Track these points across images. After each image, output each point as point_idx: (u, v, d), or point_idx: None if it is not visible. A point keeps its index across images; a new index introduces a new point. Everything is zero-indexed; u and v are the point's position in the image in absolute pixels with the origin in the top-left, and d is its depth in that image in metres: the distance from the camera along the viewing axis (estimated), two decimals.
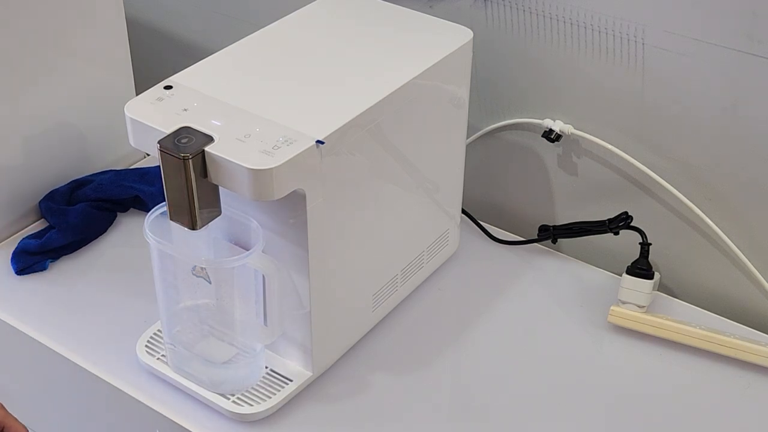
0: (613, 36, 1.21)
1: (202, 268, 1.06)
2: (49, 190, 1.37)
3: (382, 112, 1.06)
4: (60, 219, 1.33)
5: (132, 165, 1.49)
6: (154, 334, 1.17)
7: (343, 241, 1.09)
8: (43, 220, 1.38)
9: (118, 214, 1.39)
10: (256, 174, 0.94)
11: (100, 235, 1.36)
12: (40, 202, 1.37)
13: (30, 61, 1.31)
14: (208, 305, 1.11)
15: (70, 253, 1.32)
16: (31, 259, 1.29)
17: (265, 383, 1.12)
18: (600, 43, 1.22)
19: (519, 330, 1.23)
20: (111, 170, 1.43)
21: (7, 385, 1.32)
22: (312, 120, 1.00)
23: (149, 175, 1.40)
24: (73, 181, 1.39)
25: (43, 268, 1.29)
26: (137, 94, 1.06)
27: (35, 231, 1.35)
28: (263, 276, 1.04)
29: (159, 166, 1.39)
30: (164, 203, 1.02)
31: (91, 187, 1.37)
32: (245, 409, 1.09)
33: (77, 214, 1.33)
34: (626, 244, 1.28)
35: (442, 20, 1.20)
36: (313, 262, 1.05)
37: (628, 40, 1.20)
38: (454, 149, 1.25)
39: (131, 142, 1.04)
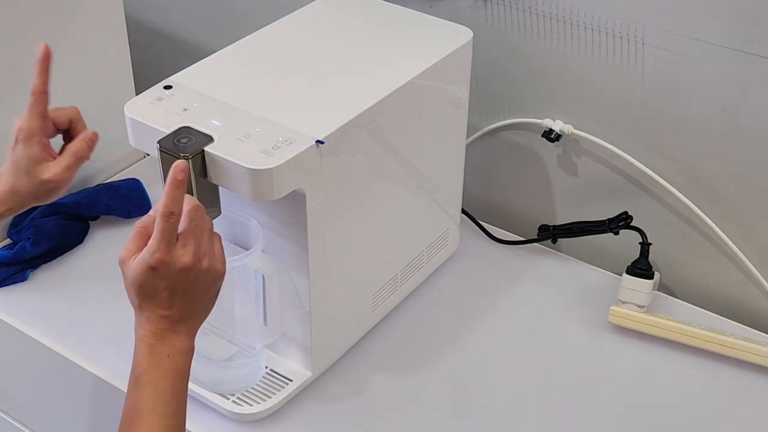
0: (613, 36, 1.21)
1: None
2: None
3: (382, 112, 1.06)
4: (32, 231, 1.30)
5: (131, 165, 1.49)
6: None
7: (343, 241, 1.09)
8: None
9: (91, 223, 1.38)
10: (256, 174, 0.94)
11: (76, 245, 1.34)
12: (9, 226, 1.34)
13: (30, 62, 1.31)
14: None
15: (47, 262, 1.30)
16: (6, 270, 1.28)
17: (265, 383, 1.12)
18: (600, 43, 1.22)
19: (519, 330, 1.23)
20: (84, 189, 1.40)
21: (7, 386, 1.32)
22: (312, 120, 1.00)
23: (122, 189, 1.39)
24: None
25: (23, 279, 1.28)
26: (137, 94, 1.06)
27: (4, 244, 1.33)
28: (263, 276, 1.04)
29: (130, 179, 1.40)
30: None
31: (65, 206, 1.34)
32: (245, 409, 1.08)
33: (51, 225, 1.31)
34: (626, 244, 1.28)
35: (442, 20, 1.20)
36: (313, 262, 1.05)
37: (628, 40, 1.20)
38: (454, 149, 1.25)
39: (131, 142, 1.04)
